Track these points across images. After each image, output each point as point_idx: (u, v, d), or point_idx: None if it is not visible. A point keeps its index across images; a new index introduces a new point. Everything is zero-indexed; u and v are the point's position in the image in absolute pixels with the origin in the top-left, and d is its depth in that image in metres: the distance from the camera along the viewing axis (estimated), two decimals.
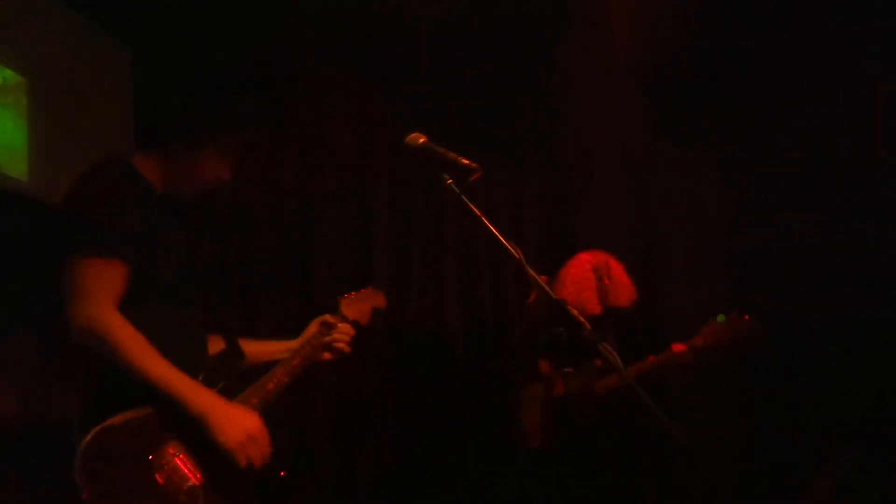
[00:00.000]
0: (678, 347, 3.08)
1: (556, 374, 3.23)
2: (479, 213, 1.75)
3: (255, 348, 2.19)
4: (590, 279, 3.31)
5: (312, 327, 2.29)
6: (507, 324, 4.02)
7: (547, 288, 1.70)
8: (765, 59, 3.69)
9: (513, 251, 1.71)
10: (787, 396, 3.48)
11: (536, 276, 1.70)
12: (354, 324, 2.33)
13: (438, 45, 3.92)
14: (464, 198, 1.77)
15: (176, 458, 1.71)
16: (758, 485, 3.39)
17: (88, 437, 1.63)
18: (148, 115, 3.55)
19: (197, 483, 1.71)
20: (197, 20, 3.73)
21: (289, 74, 3.95)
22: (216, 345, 2.07)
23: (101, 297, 1.72)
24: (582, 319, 1.59)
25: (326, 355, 2.28)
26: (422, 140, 1.86)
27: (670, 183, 4.02)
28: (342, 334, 2.28)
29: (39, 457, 2.95)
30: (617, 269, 3.37)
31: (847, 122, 3.46)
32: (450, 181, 1.79)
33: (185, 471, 1.71)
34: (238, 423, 1.77)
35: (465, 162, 1.79)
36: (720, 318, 3.06)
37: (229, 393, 1.89)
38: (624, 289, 3.35)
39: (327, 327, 2.29)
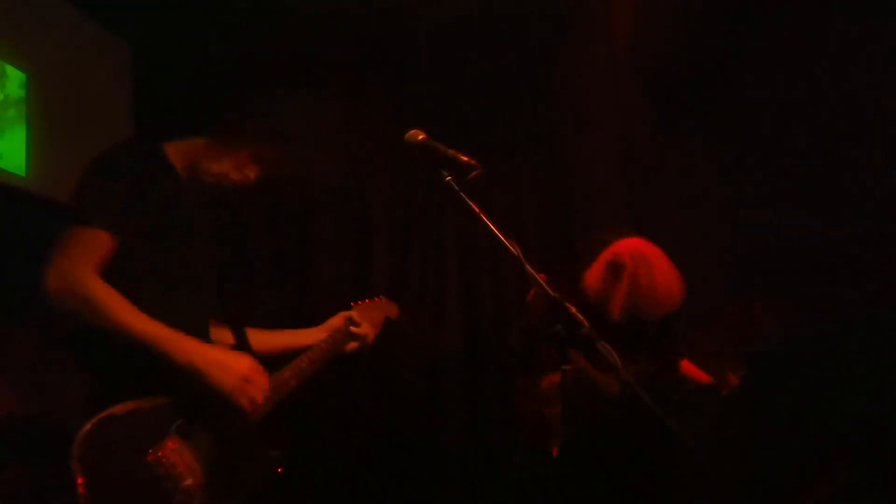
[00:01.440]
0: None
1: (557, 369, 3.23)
2: (478, 211, 1.74)
3: (265, 339, 2.17)
4: (609, 278, 2.86)
5: (337, 320, 2.33)
6: (507, 322, 4.02)
7: (545, 286, 1.70)
8: (766, 58, 3.69)
9: (512, 249, 1.71)
10: (788, 396, 3.47)
11: (535, 274, 1.70)
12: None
13: (438, 43, 3.92)
14: (462, 195, 1.77)
15: (175, 455, 1.67)
16: (759, 485, 3.38)
17: (89, 426, 1.58)
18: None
19: (194, 483, 1.67)
20: (196, 16, 3.73)
21: (287, 71, 3.95)
22: (223, 336, 2.05)
23: (79, 259, 1.68)
24: (580, 317, 1.59)
25: (353, 344, 2.33)
26: (421, 137, 1.86)
27: (671, 182, 4.02)
28: (366, 330, 2.35)
29: (40, 454, 2.95)
30: (646, 272, 2.79)
31: (849, 120, 3.45)
32: (449, 178, 1.79)
33: (183, 469, 1.67)
34: (231, 366, 1.74)
35: (465, 159, 1.79)
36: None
37: None
38: (653, 297, 2.79)
39: (352, 322, 2.34)
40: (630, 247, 2.88)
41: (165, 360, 1.68)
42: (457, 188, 1.78)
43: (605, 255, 2.91)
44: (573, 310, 1.59)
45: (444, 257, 4.13)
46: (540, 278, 1.70)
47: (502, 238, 1.72)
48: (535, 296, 3.28)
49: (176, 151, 1.95)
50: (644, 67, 3.83)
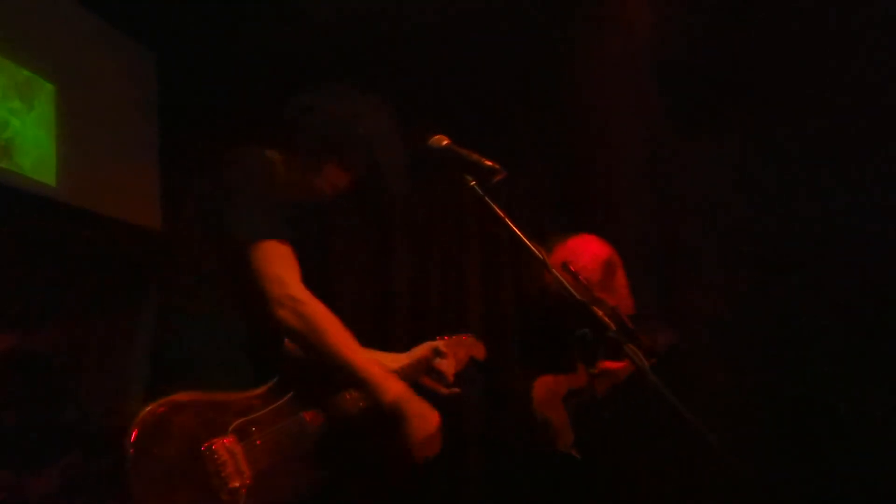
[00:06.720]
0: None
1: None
2: (502, 215, 1.76)
3: None
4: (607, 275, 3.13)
5: (423, 350, 2.30)
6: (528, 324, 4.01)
7: (570, 288, 1.70)
8: (789, 52, 3.65)
9: (536, 252, 1.73)
10: (809, 394, 3.44)
11: (560, 276, 1.71)
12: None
13: (455, 42, 3.91)
14: (487, 199, 1.79)
15: (229, 453, 1.65)
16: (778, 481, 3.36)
17: (150, 408, 1.58)
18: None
19: (240, 485, 1.65)
20: (220, 24, 3.77)
21: (307, 74, 3.97)
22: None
23: (293, 278, 1.75)
24: (607, 320, 1.60)
25: (427, 380, 2.29)
26: (445, 142, 1.88)
27: (692, 180, 3.99)
28: (448, 367, 2.30)
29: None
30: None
31: (871, 116, 3.41)
32: (473, 183, 1.81)
33: (234, 469, 1.65)
34: (428, 420, 1.79)
35: (488, 163, 1.81)
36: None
37: None
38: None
39: (438, 354, 2.30)
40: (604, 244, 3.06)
41: (372, 393, 1.76)
42: (481, 192, 1.79)
43: (599, 255, 3.00)
44: (600, 313, 1.60)
45: (465, 261, 4.13)
46: (565, 280, 1.71)
47: (527, 241, 1.74)
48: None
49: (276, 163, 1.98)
50: (664, 64, 3.80)
